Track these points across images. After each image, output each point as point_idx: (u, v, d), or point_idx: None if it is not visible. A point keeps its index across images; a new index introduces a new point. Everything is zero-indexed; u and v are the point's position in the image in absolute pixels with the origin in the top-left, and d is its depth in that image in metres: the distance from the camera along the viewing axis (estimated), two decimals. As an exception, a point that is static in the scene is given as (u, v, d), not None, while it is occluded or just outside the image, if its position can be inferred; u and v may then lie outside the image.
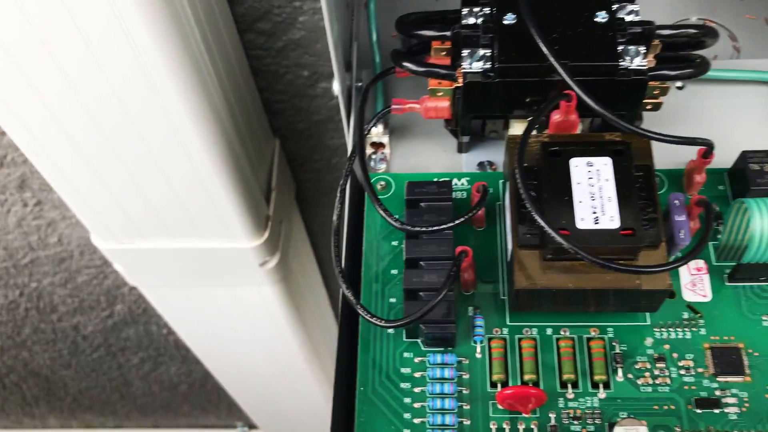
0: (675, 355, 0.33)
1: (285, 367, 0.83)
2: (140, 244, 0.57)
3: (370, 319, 0.30)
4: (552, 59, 0.31)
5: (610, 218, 0.30)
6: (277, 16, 0.50)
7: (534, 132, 0.33)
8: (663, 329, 0.33)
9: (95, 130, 0.45)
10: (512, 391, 0.30)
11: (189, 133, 0.45)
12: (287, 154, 0.64)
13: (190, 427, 1.48)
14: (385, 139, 0.39)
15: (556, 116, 0.34)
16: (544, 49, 0.31)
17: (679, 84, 0.41)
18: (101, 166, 0.48)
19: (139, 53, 0.38)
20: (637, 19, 0.34)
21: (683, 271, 0.34)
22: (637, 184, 0.31)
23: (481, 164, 0.39)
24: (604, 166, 0.31)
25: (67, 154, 0.47)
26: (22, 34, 0.37)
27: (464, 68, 0.33)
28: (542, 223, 0.29)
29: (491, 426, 0.32)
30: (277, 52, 0.54)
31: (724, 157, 0.36)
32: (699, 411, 0.31)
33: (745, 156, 0.35)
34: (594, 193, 0.31)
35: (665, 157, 0.37)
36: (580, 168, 0.31)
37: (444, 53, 0.36)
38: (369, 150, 0.40)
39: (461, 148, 0.39)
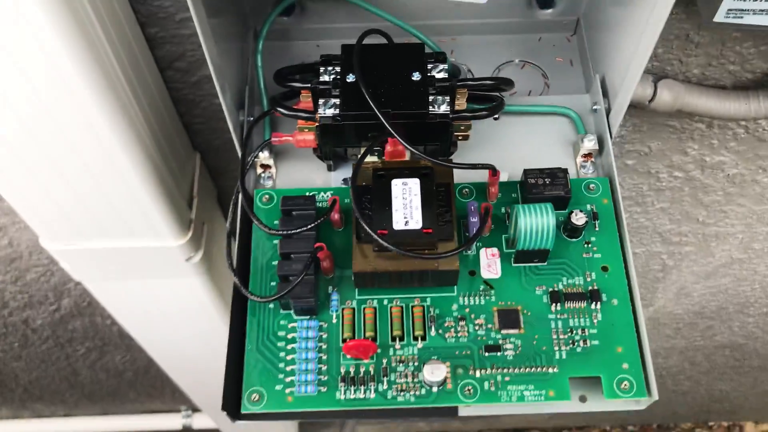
0: (473, 315, 0.46)
1: (216, 349, 0.95)
2: (82, 244, 0.68)
3: (251, 296, 0.43)
4: (375, 109, 0.43)
5: (416, 221, 0.43)
6: (191, 56, 0.62)
7: (375, 159, 0.46)
8: (466, 297, 0.47)
9: (39, 150, 0.55)
10: (354, 342, 0.43)
11: (118, 153, 0.56)
12: (208, 166, 0.76)
13: (137, 413, 1.58)
14: (270, 162, 0.52)
15: (388, 148, 0.47)
16: (370, 102, 0.44)
17: (495, 115, 0.55)
18: (45, 179, 0.59)
19: (72, 92, 0.49)
20: (444, 75, 0.47)
21: (483, 255, 0.48)
22: (439, 197, 0.45)
23: (345, 180, 0.52)
24: (414, 184, 0.44)
25: (15, 170, 0.58)
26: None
27: (320, 113, 0.46)
28: (365, 227, 0.42)
29: (341, 369, 0.44)
30: (192, 84, 0.65)
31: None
32: (486, 354, 0.45)
33: (526, 172, 0.48)
34: (405, 204, 0.44)
35: (475, 175, 0.50)
36: (397, 186, 0.44)
37: (308, 98, 0.48)
38: (260, 170, 0.52)
39: (329, 168, 0.52)
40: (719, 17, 0.53)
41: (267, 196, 0.50)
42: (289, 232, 0.44)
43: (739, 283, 1.10)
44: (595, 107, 0.53)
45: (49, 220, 0.65)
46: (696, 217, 0.91)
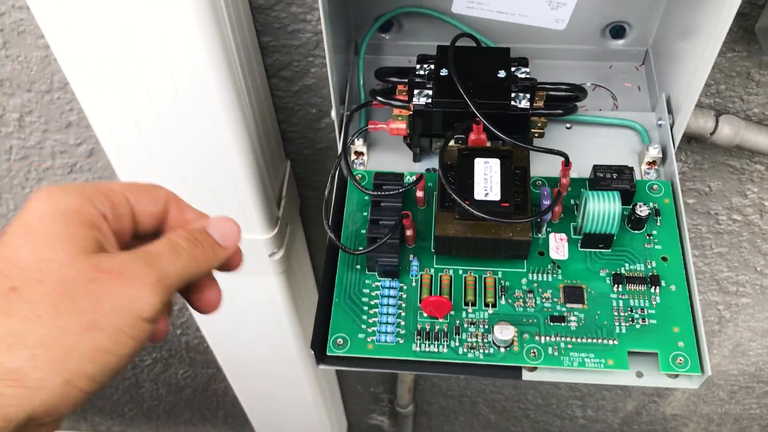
0: (540, 290, 0.51)
1: (282, 360, 1.00)
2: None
3: (342, 248, 0.49)
4: (466, 98, 0.50)
5: (495, 194, 0.48)
6: (296, 66, 0.70)
7: (458, 144, 0.52)
8: (534, 273, 0.51)
9: (164, 138, 0.63)
10: (431, 298, 0.48)
11: (230, 145, 0.63)
12: (296, 174, 0.83)
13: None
14: (364, 149, 0.58)
15: (472, 136, 0.53)
16: (462, 92, 0.50)
17: (567, 125, 0.60)
18: (161, 164, 0.66)
19: (205, 93, 0.57)
20: (526, 76, 0.53)
21: (552, 239, 0.52)
22: (516, 178, 0.50)
23: (427, 169, 0.58)
24: (494, 164, 0.50)
25: (140, 154, 0.65)
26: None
27: (414, 102, 0.52)
28: (452, 193, 0.47)
29: (417, 326, 0.49)
30: (294, 93, 0.73)
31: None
32: (552, 324, 0.49)
33: (595, 168, 0.53)
34: (486, 179, 0.49)
35: (549, 169, 0.55)
36: (480, 164, 0.50)
37: (404, 92, 0.55)
38: (353, 156, 0.59)
39: (415, 158, 0.58)
40: (779, 49, 0.58)
41: (360, 176, 0.56)
42: (381, 194, 0.50)
43: (797, 344, 1.10)
44: (660, 122, 0.59)
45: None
46: (754, 265, 0.93)
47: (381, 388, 1.40)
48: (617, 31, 0.64)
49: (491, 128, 0.49)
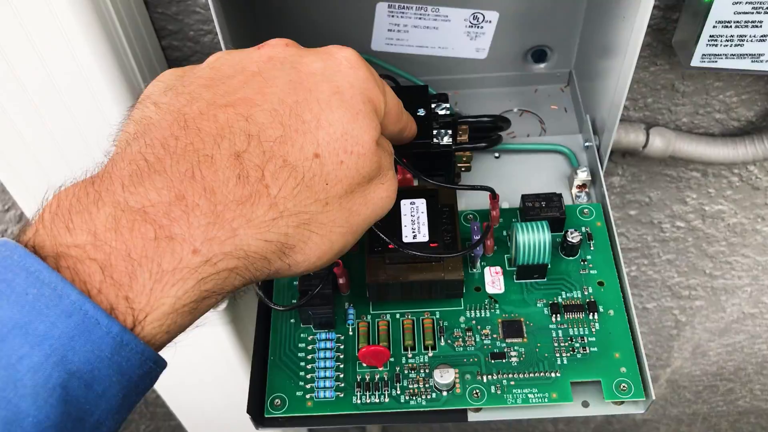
0: (479, 326, 0.50)
1: (239, 410, 0.98)
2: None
3: (273, 305, 0.47)
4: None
5: (423, 235, 0.48)
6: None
7: (385, 186, 0.51)
8: (472, 310, 0.50)
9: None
10: (368, 348, 0.47)
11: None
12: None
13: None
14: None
15: (398, 176, 0.52)
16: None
17: (496, 154, 0.60)
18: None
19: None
20: (446, 112, 0.52)
21: (487, 273, 0.52)
22: (443, 216, 0.49)
23: (359, 212, 0.57)
24: (421, 204, 0.49)
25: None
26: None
27: (336, 146, 0.51)
28: (382, 235, 0.46)
29: (357, 377, 0.48)
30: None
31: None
32: (492, 361, 0.48)
33: (523, 197, 0.53)
34: (414, 220, 0.48)
35: (479, 203, 0.55)
36: (406, 205, 0.49)
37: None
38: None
39: (345, 202, 0.57)
40: (695, 62, 0.58)
41: (289, 225, 0.55)
42: (309, 248, 0.49)
43: (754, 340, 1.11)
44: (587, 144, 0.59)
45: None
46: (703, 268, 0.94)
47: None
48: (539, 55, 0.64)
49: (411, 169, 0.48)
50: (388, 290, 0.49)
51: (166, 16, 0.59)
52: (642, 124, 0.70)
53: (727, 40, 0.57)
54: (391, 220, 0.49)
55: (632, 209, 0.83)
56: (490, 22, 0.60)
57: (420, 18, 0.60)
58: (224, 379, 0.90)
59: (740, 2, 0.54)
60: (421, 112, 0.52)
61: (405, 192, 0.50)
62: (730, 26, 0.56)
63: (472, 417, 0.48)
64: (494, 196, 0.51)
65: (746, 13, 0.55)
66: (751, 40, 0.57)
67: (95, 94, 0.52)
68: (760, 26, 0.56)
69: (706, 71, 0.63)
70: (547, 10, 0.60)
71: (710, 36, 0.56)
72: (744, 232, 0.87)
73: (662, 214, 0.84)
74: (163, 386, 0.96)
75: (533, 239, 0.49)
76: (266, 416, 0.47)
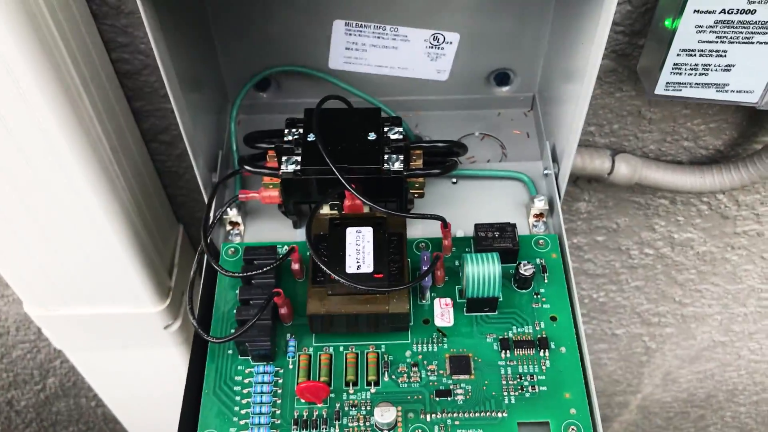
0: (425, 362, 0.47)
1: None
2: (65, 310, 0.70)
3: (208, 337, 0.45)
4: (330, 164, 0.47)
5: (368, 266, 0.46)
6: (174, 129, 0.66)
7: (334, 211, 0.49)
8: (419, 344, 0.48)
9: (28, 217, 0.59)
10: (306, 384, 0.45)
11: (103, 221, 0.59)
12: (190, 237, 0.79)
13: None
14: (239, 219, 0.54)
15: (346, 202, 0.50)
16: (326, 157, 0.47)
17: (453, 180, 0.58)
18: (31, 245, 0.62)
19: (61, 163, 0.53)
20: (398, 137, 0.50)
21: (437, 305, 0.49)
22: (391, 245, 0.47)
23: (309, 237, 0.55)
24: (367, 232, 0.47)
25: (4, 236, 0.61)
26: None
27: (282, 169, 0.49)
28: (323, 266, 0.44)
29: (294, 413, 0.46)
30: (176, 156, 0.69)
31: (469, 229, 0.52)
32: (438, 399, 0.46)
33: (476, 227, 0.51)
34: (359, 249, 0.46)
35: (432, 231, 0.53)
36: (351, 234, 0.47)
37: (274, 158, 0.51)
38: (229, 227, 0.55)
39: (295, 225, 0.55)
40: (660, 90, 0.57)
41: (233, 249, 0.52)
42: (247, 274, 0.47)
43: (725, 368, 1.10)
44: (546, 172, 0.57)
45: (34, 284, 0.67)
46: (672, 296, 0.93)
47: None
48: (502, 78, 0.62)
49: (358, 196, 0.46)
50: (331, 322, 0.46)
51: (115, 28, 0.57)
52: (608, 150, 0.69)
53: (692, 69, 0.55)
54: (336, 248, 0.46)
55: (599, 235, 0.82)
56: (450, 43, 0.58)
57: (378, 37, 0.58)
58: (179, 400, 0.87)
59: (704, 30, 0.53)
60: (372, 136, 0.50)
61: (352, 220, 0.48)
62: (695, 54, 0.54)
63: (414, 458, 0.46)
64: (446, 226, 0.49)
65: (710, 41, 0.53)
66: (716, 70, 0.55)
67: (33, 110, 0.50)
68: (724, 56, 0.54)
69: (671, 99, 0.61)
70: (510, 32, 0.58)
71: (674, 64, 0.55)
72: (713, 261, 0.86)
73: (630, 241, 0.83)
74: (117, 406, 0.93)
75: (483, 272, 0.47)
76: (197, 454, 0.45)
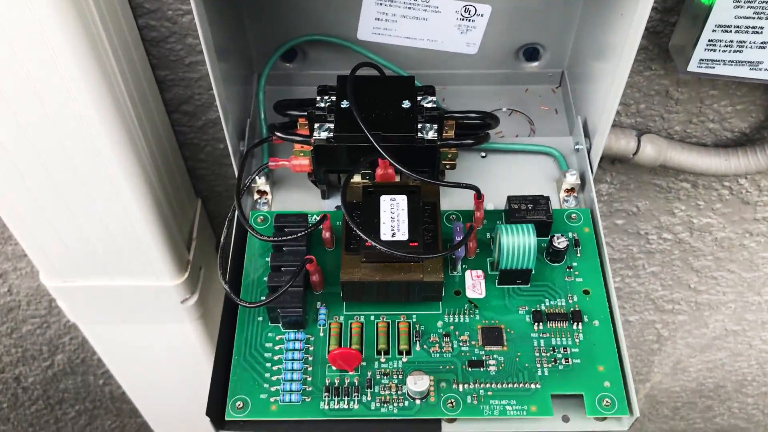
0: (457, 332, 0.47)
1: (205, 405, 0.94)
2: (81, 281, 0.70)
3: (240, 302, 0.44)
4: (365, 131, 0.46)
5: (402, 233, 0.45)
6: (198, 100, 0.65)
7: (366, 180, 0.49)
8: (451, 315, 0.48)
9: (50, 184, 0.58)
10: (339, 351, 0.44)
11: (124, 188, 0.59)
12: (208, 212, 0.78)
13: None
14: (267, 188, 0.54)
15: (378, 171, 0.49)
16: (361, 124, 0.46)
17: (482, 154, 0.57)
18: (52, 212, 0.61)
19: (87, 127, 0.52)
20: (432, 105, 0.50)
21: (468, 277, 0.49)
22: (425, 214, 0.47)
23: (338, 206, 0.54)
24: (402, 200, 0.46)
25: (25, 202, 0.60)
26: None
27: (315, 136, 0.49)
28: (358, 232, 0.43)
29: (326, 381, 0.45)
30: (198, 128, 0.68)
31: (501, 201, 0.52)
32: (470, 369, 0.46)
33: (509, 199, 0.50)
34: (393, 217, 0.45)
35: (463, 202, 0.52)
36: (386, 202, 0.46)
37: (305, 126, 0.51)
38: (256, 196, 0.54)
39: (323, 195, 0.54)
40: (692, 67, 0.56)
41: (262, 218, 0.52)
42: (280, 239, 0.46)
43: (735, 358, 1.10)
44: (577, 147, 0.56)
45: (52, 254, 0.67)
46: (687, 282, 0.92)
47: None
48: (531, 53, 0.62)
49: (394, 164, 0.46)
50: (363, 290, 0.46)
51: (143, -7, 0.56)
52: (634, 131, 0.68)
53: (726, 46, 0.55)
54: (370, 216, 0.46)
55: (619, 218, 0.81)
56: (482, 15, 0.58)
57: (409, 8, 0.57)
58: (192, 377, 0.87)
59: (741, 6, 0.52)
60: (406, 104, 0.49)
61: (385, 188, 0.47)
62: (730, 31, 0.54)
63: (446, 429, 0.45)
64: (479, 196, 0.49)
65: (747, 17, 0.53)
66: (751, 47, 0.55)
67: (63, 72, 0.49)
68: (761, 32, 0.54)
69: (702, 78, 0.60)
70: (541, 7, 0.57)
71: (709, 40, 0.54)
72: (731, 247, 0.85)
73: (649, 225, 0.82)
74: (128, 382, 0.92)
75: (518, 243, 0.46)
76: (227, 419, 0.44)
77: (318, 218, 0.49)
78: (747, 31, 0.54)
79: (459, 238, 0.48)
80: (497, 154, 0.58)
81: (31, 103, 0.50)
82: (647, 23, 0.59)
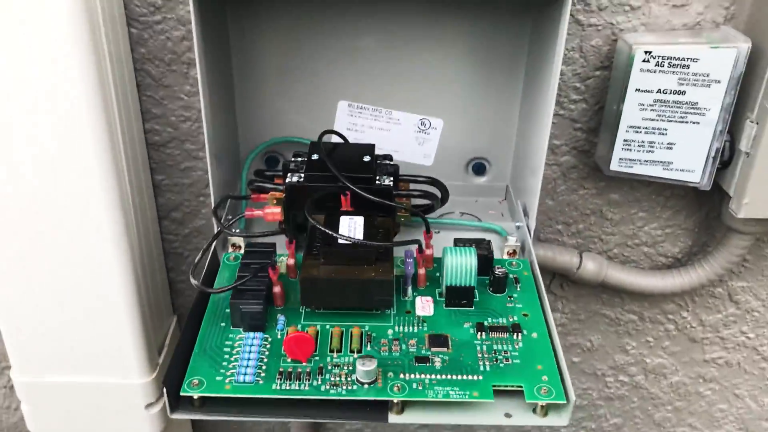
0: (406, 339, 0.50)
1: None
2: (52, 377, 0.71)
3: (208, 290, 0.49)
4: (335, 171, 0.55)
5: (359, 237, 0.51)
6: (186, 207, 0.74)
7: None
8: (401, 326, 0.51)
9: (42, 283, 0.63)
10: (293, 335, 0.47)
11: (114, 287, 0.63)
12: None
13: None
14: (241, 242, 0.60)
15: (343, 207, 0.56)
16: (331, 167, 0.55)
17: (437, 230, 0.65)
18: (38, 310, 0.65)
19: (98, 246, 0.59)
20: (390, 163, 0.59)
21: (418, 301, 0.54)
22: (378, 234, 0.53)
23: (303, 261, 0.60)
24: (359, 219, 0.53)
25: (14, 295, 0.65)
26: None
27: (287, 180, 0.57)
28: (320, 227, 0.50)
29: (280, 369, 0.48)
30: (183, 237, 0.76)
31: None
32: (417, 364, 0.48)
33: (455, 240, 0.57)
34: (351, 230, 0.52)
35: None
36: (344, 220, 0.53)
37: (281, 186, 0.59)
38: (231, 249, 0.61)
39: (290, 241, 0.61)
40: (614, 166, 0.66)
41: (233, 257, 0.58)
42: (249, 234, 0.52)
43: None
44: (517, 224, 0.64)
45: (28, 348, 0.69)
46: (652, 441, 0.92)
47: None
48: (479, 167, 0.72)
49: (358, 192, 0.53)
50: (321, 291, 0.50)
51: (153, 99, 0.68)
52: (576, 249, 0.76)
53: (639, 145, 0.65)
54: (330, 228, 0.52)
55: (575, 355, 0.85)
56: (435, 128, 0.69)
57: (375, 119, 0.69)
58: None
59: (645, 108, 0.64)
60: (367, 158, 0.58)
61: (345, 213, 0.54)
62: (640, 131, 0.65)
63: (392, 419, 0.47)
64: (421, 251, 0.55)
65: (652, 119, 0.64)
66: (660, 147, 0.65)
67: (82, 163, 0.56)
68: (666, 134, 0.65)
69: (624, 177, 0.69)
70: (485, 125, 0.69)
71: (624, 140, 0.65)
72: (688, 395, 0.88)
73: (605, 365, 0.86)
74: None
75: (460, 262, 0.52)
76: (181, 394, 0.46)
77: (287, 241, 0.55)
78: (654, 132, 0.65)
79: (410, 260, 0.53)
80: (448, 230, 0.65)
81: (42, 201, 0.58)
82: (575, 143, 0.71)
